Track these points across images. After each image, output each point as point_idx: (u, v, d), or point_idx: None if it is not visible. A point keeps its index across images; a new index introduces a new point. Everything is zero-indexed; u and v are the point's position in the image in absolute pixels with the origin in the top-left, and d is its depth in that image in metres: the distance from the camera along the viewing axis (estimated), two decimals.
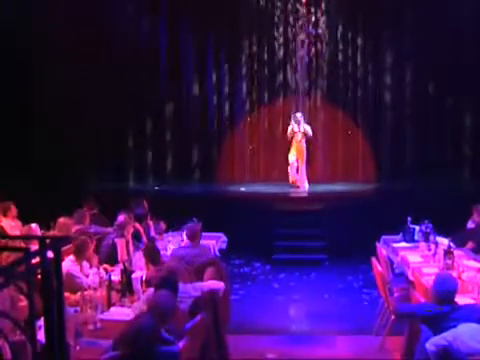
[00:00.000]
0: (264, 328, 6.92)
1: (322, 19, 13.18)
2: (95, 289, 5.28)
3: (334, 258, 9.76)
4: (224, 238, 8.58)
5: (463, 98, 12.71)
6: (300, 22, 13.17)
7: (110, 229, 7.44)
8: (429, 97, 12.94)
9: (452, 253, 6.06)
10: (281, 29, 13.26)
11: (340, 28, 13.24)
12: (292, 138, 11.89)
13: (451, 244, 6.40)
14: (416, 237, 7.40)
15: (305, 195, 11.60)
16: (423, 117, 12.93)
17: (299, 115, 11.92)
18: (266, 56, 13.37)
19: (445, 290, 4.43)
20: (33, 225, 7.19)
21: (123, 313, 4.86)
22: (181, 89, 13.30)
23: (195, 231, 6.55)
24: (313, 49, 13.26)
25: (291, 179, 11.99)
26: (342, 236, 9.85)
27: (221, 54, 13.35)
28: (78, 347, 4.13)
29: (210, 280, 5.56)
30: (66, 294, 4.83)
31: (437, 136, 12.96)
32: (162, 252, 6.24)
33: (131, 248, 6.82)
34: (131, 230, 7.14)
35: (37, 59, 11.71)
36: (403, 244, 7.46)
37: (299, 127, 11.79)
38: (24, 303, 4.06)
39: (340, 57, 13.30)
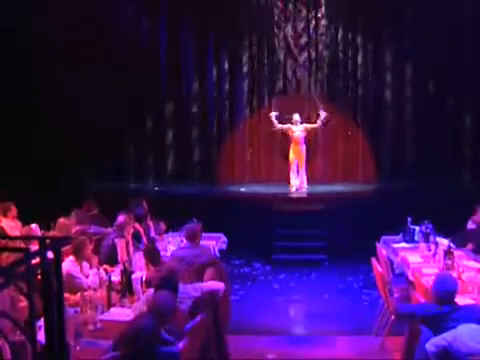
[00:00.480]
0: (264, 328, 6.92)
1: (322, 19, 13.18)
2: (95, 289, 5.28)
3: (334, 258, 9.76)
4: (224, 238, 8.58)
5: (463, 98, 12.71)
6: (302, 24, 13.18)
7: (110, 229, 7.44)
8: (429, 97, 12.93)
9: (452, 253, 6.06)
10: (281, 29, 13.25)
11: (340, 28, 13.24)
12: (290, 138, 11.86)
13: (451, 244, 6.40)
14: (416, 237, 7.40)
15: (305, 195, 11.59)
16: (423, 117, 12.93)
17: (296, 116, 11.84)
18: (266, 56, 13.35)
19: (445, 290, 4.43)
20: (33, 225, 7.20)
21: (123, 314, 4.86)
22: (181, 89, 13.29)
23: (193, 232, 6.55)
24: (313, 49, 13.27)
25: (292, 183, 11.89)
26: (342, 236, 9.84)
27: (221, 54, 13.35)
28: (78, 347, 4.13)
29: (210, 280, 5.56)
30: (66, 295, 4.83)
31: (437, 136, 12.96)
32: (162, 253, 6.25)
33: (131, 249, 6.82)
34: (131, 230, 7.14)
35: (37, 59, 11.70)
36: (403, 244, 7.46)
37: (297, 128, 11.76)
38: (24, 303, 4.06)
39: (340, 57, 13.30)
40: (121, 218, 7.13)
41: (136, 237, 7.32)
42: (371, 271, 7.00)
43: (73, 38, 11.65)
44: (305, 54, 13.31)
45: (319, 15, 13.17)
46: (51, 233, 7.13)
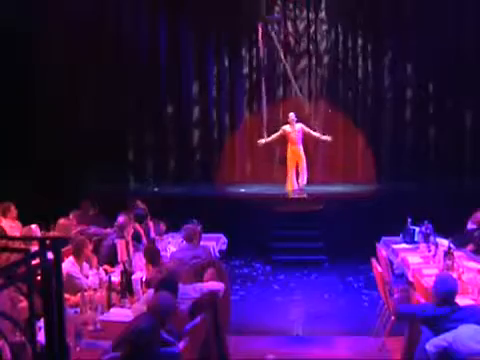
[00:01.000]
0: (264, 329, 6.93)
1: (322, 20, 13.18)
2: (95, 290, 5.28)
3: (334, 259, 9.76)
4: (224, 239, 8.58)
5: (463, 98, 12.71)
6: (302, 24, 13.18)
7: (110, 230, 7.43)
8: (429, 97, 12.94)
9: (452, 254, 6.05)
10: (281, 29, 13.25)
11: (340, 28, 13.24)
12: (287, 141, 11.65)
13: (451, 245, 6.39)
14: (416, 238, 7.40)
15: (305, 196, 11.58)
16: (423, 117, 12.93)
17: (292, 115, 11.54)
18: (266, 55, 13.34)
19: (445, 291, 4.43)
20: (33, 226, 7.20)
21: (123, 314, 4.86)
22: (181, 89, 13.29)
23: (192, 232, 6.56)
24: (313, 49, 13.27)
25: (288, 189, 11.66)
26: (342, 237, 9.84)
27: (221, 54, 13.35)
28: (78, 348, 4.13)
29: (210, 281, 5.56)
30: (66, 295, 4.83)
31: (437, 136, 12.96)
32: (162, 253, 6.25)
33: (131, 249, 6.82)
34: (131, 231, 7.13)
35: (37, 59, 11.70)
36: (403, 245, 7.46)
37: (292, 128, 11.46)
38: (24, 304, 4.06)
39: (340, 57, 13.29)
40: (121, 218, 7.13)
41: (136, 237, 7.32)
42: (371, 272, 7.01)
43: (73, 38, 11.66)
44: (305, 56, 13.31)
45: (319, 16, 13.18)
46: (51, 234, 7.13)
